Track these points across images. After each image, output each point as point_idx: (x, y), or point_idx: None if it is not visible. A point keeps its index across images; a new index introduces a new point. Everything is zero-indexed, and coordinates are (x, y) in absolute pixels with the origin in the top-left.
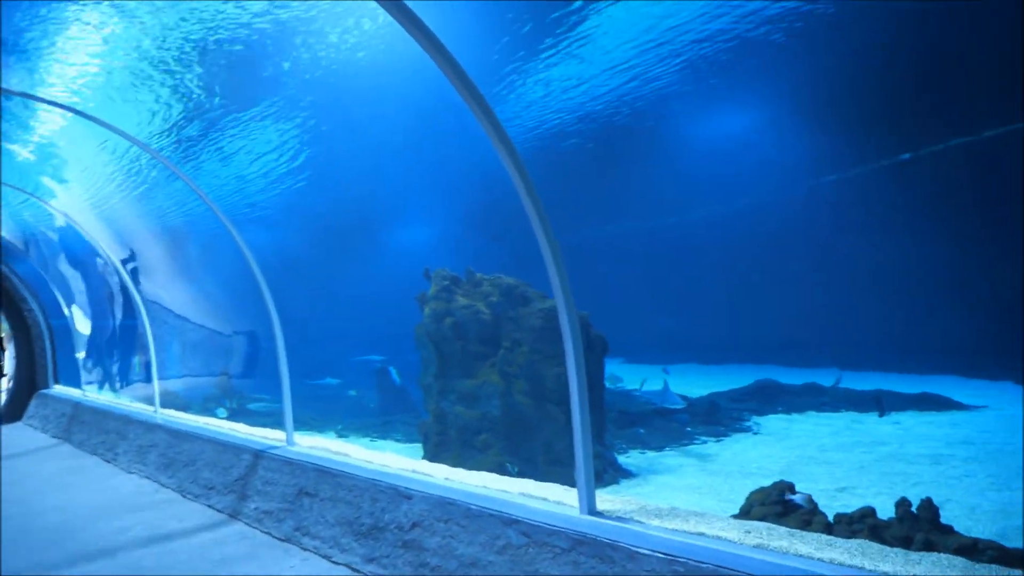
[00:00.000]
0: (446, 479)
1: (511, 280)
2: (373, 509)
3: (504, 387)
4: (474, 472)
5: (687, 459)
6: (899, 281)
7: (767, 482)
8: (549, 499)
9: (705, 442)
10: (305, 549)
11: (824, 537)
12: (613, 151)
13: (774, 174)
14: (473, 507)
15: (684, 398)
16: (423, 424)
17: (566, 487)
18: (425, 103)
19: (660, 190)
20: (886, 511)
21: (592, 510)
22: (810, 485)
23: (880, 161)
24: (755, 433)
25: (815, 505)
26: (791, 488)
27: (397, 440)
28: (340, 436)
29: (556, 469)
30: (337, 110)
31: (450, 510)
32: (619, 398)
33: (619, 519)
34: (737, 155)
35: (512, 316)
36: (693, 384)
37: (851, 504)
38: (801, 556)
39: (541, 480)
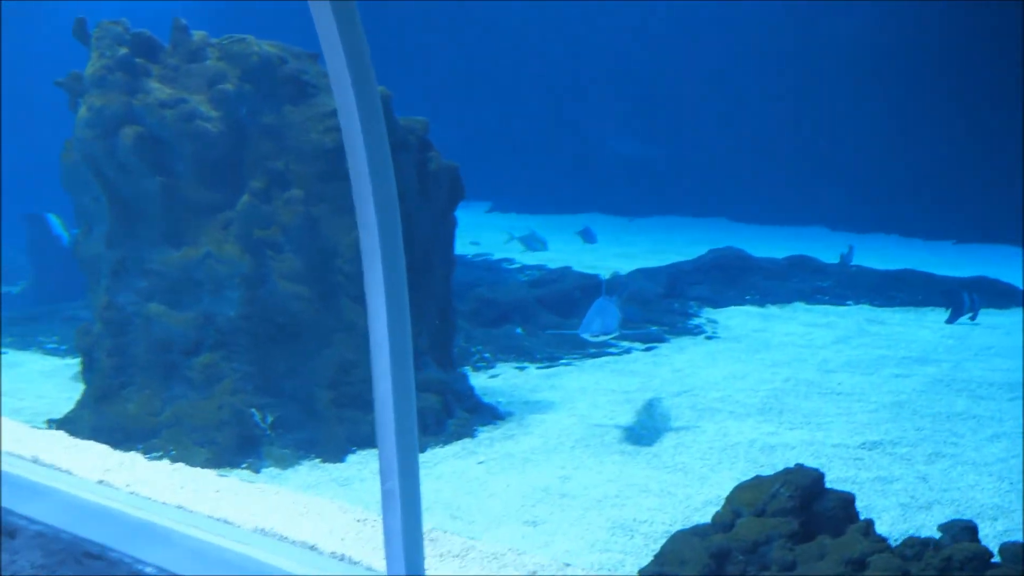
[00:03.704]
0: (100, 483)
1: (271, 47)
2: None
3: (253, 265)
4: (163, 464)
5: (596, 382)
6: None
7: (737, 428)
8: (320, 548)
9: (628, 351)
10: None
11: None
12: None
13: None
14: (149, 571)
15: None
16: (83, 333)
17: (362, 510)
18: None
19: None
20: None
21: None
22: (814, 433)
23: None
24: (709, 337)
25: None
26: (819, 480)
27: (47, 351)
28: None
29: (351, 416)
30: None
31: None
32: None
33: None
34: None
35: (271, 125)
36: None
37: (896, 475)
38: None
39: (321, 447)
